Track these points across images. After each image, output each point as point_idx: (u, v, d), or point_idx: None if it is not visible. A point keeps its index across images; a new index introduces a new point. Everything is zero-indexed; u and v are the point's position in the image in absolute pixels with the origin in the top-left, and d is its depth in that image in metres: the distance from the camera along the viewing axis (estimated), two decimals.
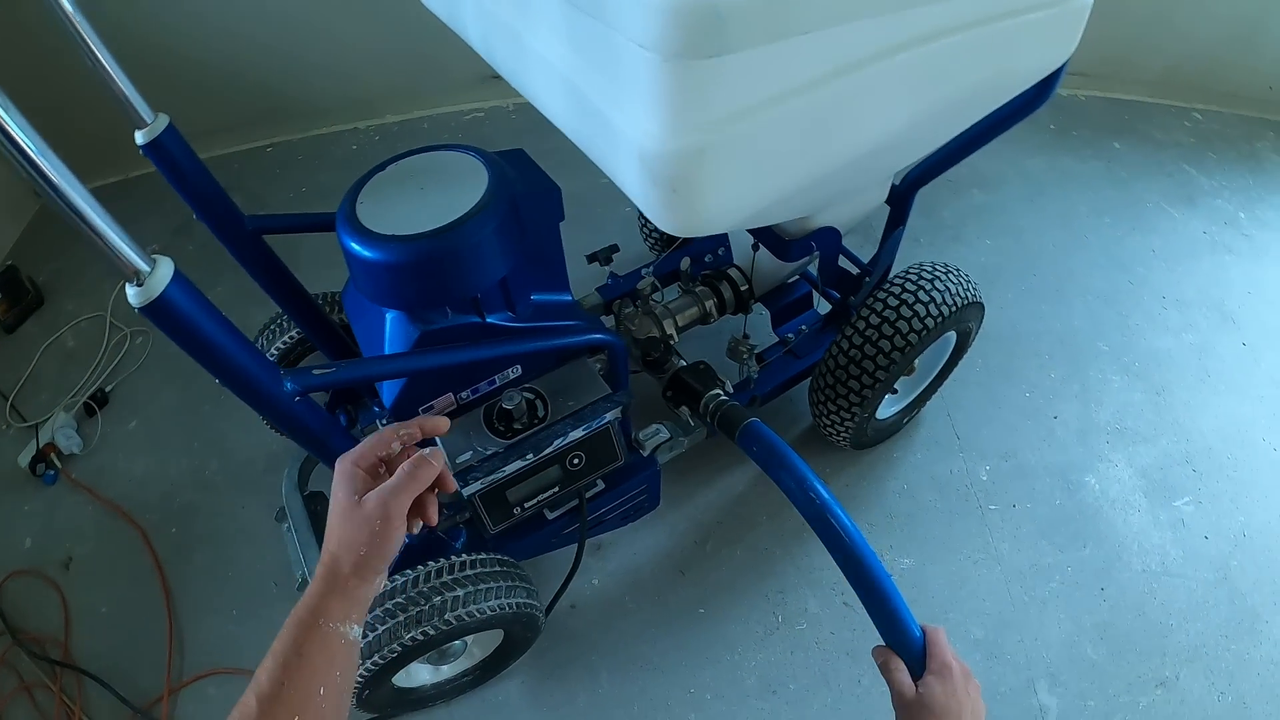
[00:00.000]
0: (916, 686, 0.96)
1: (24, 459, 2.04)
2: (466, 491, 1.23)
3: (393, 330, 1.21)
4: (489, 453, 1.22)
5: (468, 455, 1.22)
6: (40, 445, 2.05)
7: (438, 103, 3.01)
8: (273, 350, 1.71)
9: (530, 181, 1.22)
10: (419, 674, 1.48)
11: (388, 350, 1.21)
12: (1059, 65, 1.29)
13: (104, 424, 2.16)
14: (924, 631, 1.02)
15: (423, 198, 1.15)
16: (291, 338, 1.70)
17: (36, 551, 1.94)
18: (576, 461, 1.33)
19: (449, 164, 1.20)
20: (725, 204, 0.92)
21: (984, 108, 1.33)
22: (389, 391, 1.24)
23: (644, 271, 1.74)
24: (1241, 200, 2.82)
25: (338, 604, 0.75)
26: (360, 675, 1.25)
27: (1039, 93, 1.42)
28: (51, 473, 2.04)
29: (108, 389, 2.22)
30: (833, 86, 0.88)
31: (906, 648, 1.01)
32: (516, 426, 1.26)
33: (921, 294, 1.58)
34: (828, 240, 1.54)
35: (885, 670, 1.01)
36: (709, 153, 0.83)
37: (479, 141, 1.28)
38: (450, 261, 1.08)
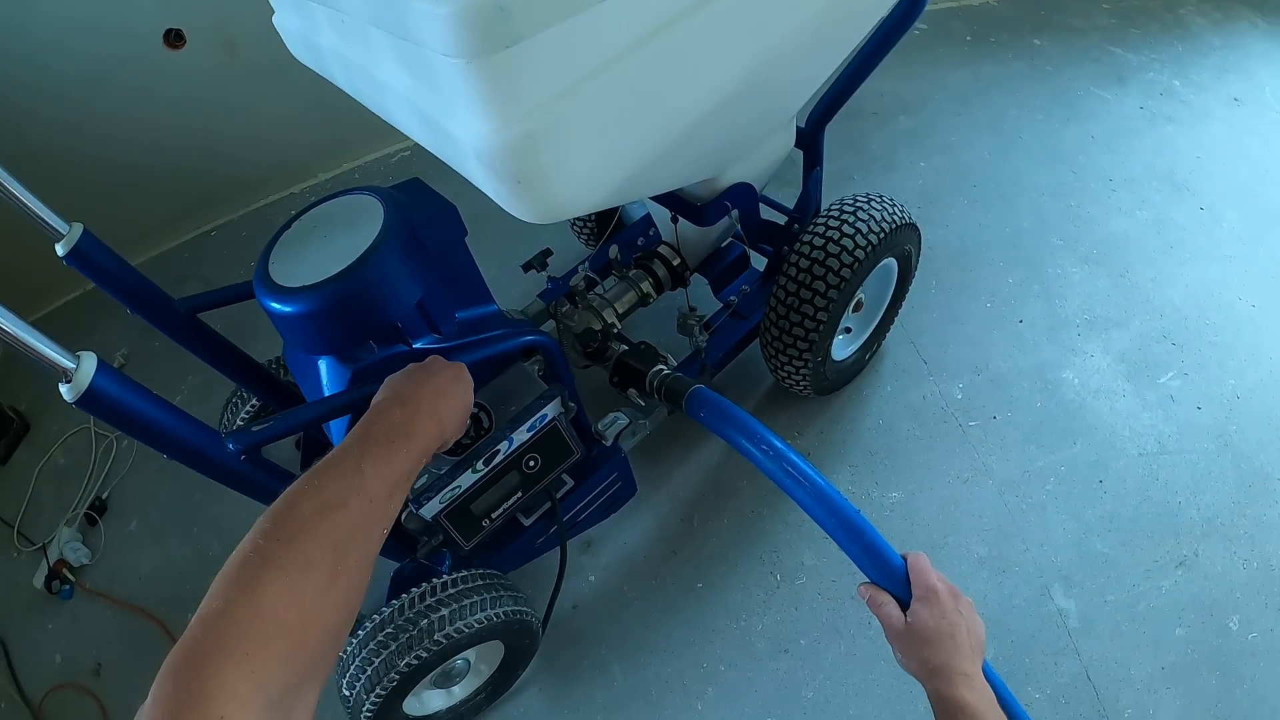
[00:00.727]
0: (905, 616, 0.97)
1: (38, 580, 2.09)
2: (428, 513, 1.25)
3: (328, 375, 1.24)
4: (440, 472, 1.24)
5: (421, 479, 1.24)
6: (51, 563, 2.09)
7: (364, 151, 3.04)
8: (239, 421, 1.74)
9: (427, 205, 1.24)
10: (431, 701, 1.50)
11: (327, 395, 1.24)
12: None
13: (107, 530, 2.19)
14: (905, 560, 1.02)
15: (326, 245, 1.17)
16: (254, 406, 1.73)
17: (67, 665, 1.97)
18: (533, 464, 1.35)
19: (347, 208, 1.23)
20: (577, 184, 0.94)
21: (851, 33, 1.33)
22: (338, 431, 1.27)
23: (579, 269, 1.76)
24: (1174, 69, 2.81)
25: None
26: (367, 711, 1.28)
27: (910, 6, 1.44)
28: (67, 587, 2.08)
29: (104, 496, 2.26)
30: (651, 47, 0.89)
31: (889, 579, 1.01)
32: (465, 442, 1.28)
33: (846, 227, 1.58)
34: (742, 197, 1.56)
35: (873, 606, 1.01)
36: (538, 138, 0.85)
37: (409, 177, 1.30)
38: (360, 297, 1.10)
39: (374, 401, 0.99)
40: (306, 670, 0.65)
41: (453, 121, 0.89)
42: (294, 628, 0.65)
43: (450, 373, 1.05)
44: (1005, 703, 0.90)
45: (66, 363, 0.83)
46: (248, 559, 0.68)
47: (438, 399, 0.99)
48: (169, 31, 2.45)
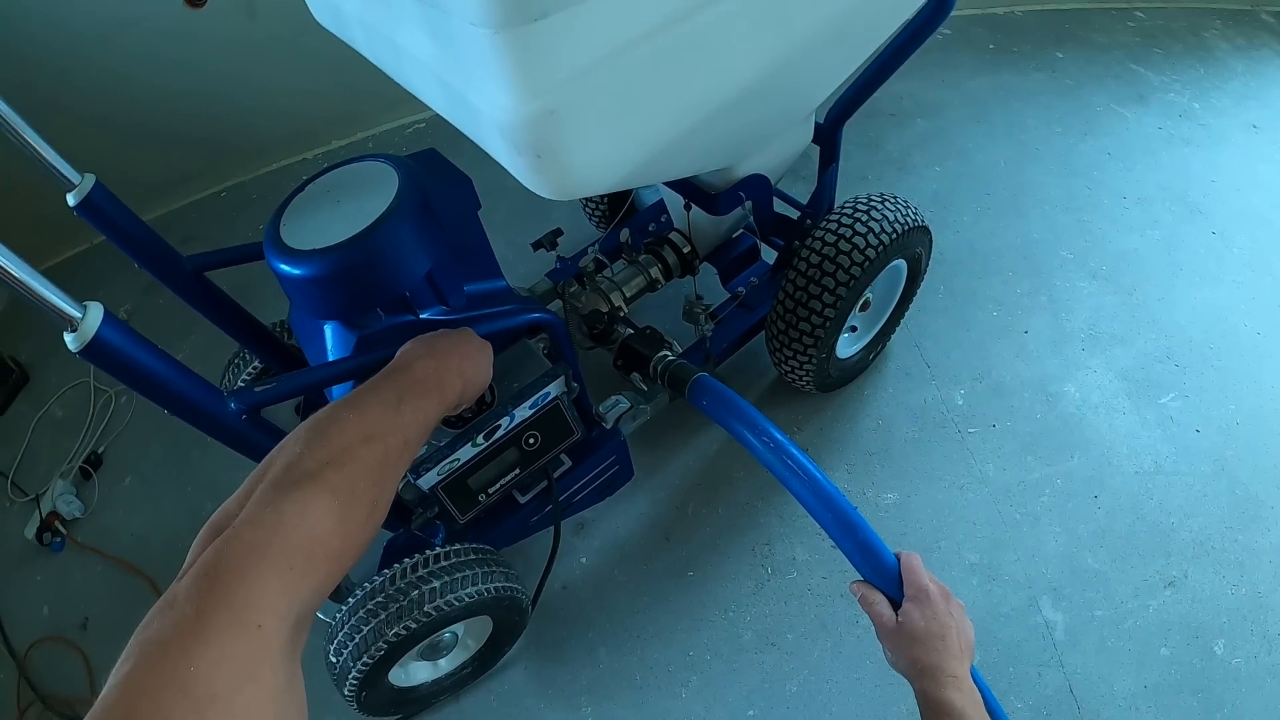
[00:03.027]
0: (896, 615, 0.97)
1: (30, 531, 2.09)
2: (426, 484, 1.26)
3: (332, 341, 1.23)
4: (440, 444, 1.24)
5: (421, 450, 1.24)
6: (44, 515, 2.09)
7: (378, 121, 3.04)
8: (240, 382, 1.74)
9: (442, 177, 1.24)
10: (417, 672, 1.51)
11: (331, 360, 1.24)
12: None
13: (101, 485, 2.20)
14: (898, 559, 1.02)
15: (339, 210, 1.16)
16: (256, 368, 1.73)
17: (54, 618, 1.98)
18: (532, 441, 1.35)
19: (361, 174, 1.22)
20: (596, 162, 0.94)
21: (877, 31, 1.33)
22: (340, 397, 1.27)
23: (589, 250, 1.76)
24: (1194, 91, 2.80)
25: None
26: (353, 678, 1.28)
27: (937, 9, 1.43)
28: (58, 540, 2.09)
29: (100, 451, 2.27)
30: (679, 29, 0.89)
31: (883, 578, 1.01)
32: (466, 415, 1.28)
33: (859, 225, 1.58)
34: (757, 188, 1.56)
35: (864, 604, 1.01)
36: (562, 113, 0.85)
37: (423, 149, 1.30)
38: (370, 264, 1.10)
39: (402, 352, 1.03)
40: (326, 595, 0.68)
41: (475, 92, 0.89)
42: (335, 553, 0.68)
43: (477, 343, 1.10)
44: (990, 708, 0.90)
45: (73, 311, 0.82)
46: (298, 475, 0.69)
47: (465, 361, 1.04)
48: None
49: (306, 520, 0.66)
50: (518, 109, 0.84)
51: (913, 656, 0.92)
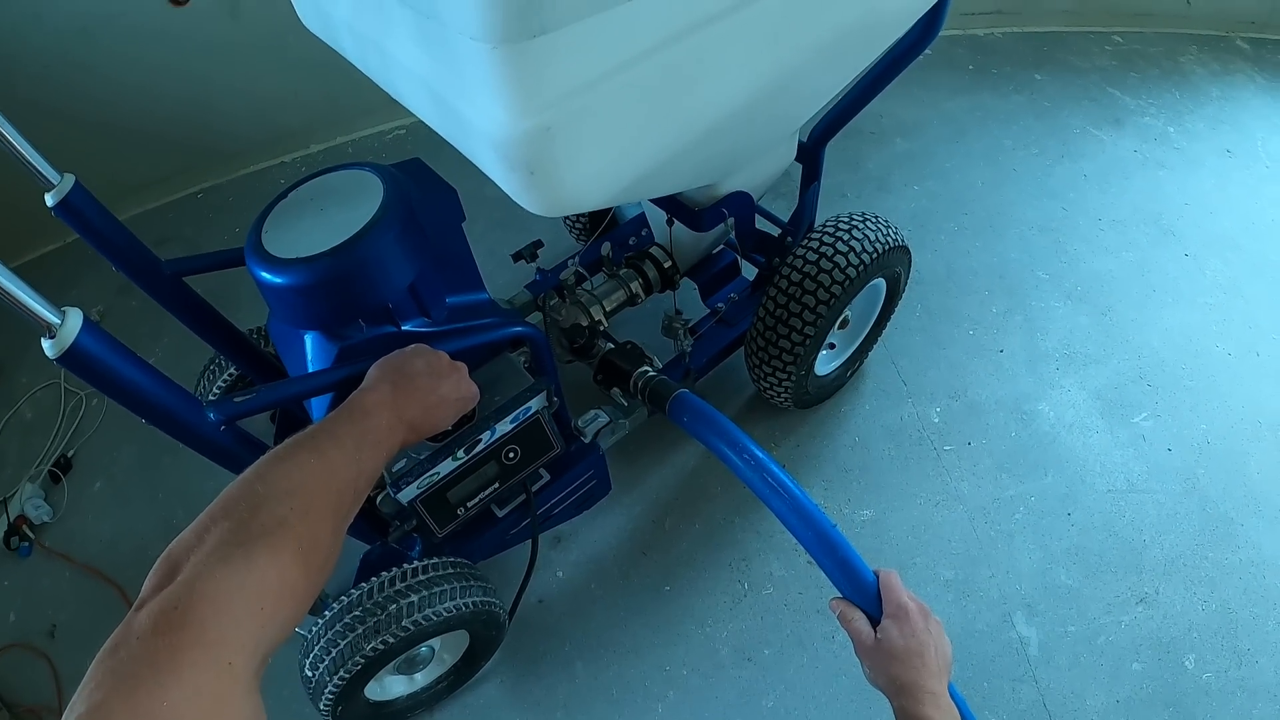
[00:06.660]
0: (875, 633, 0.98)
1: None
2: (405, 497, 1.24)
3: (313, 351, 1.22)
4: (420, 457, 1.24)
5: (401, 462, 1.23)
6: (11, 519, 2.05)
7: (359, 126, 3.01)
8: (215, 389, 1.72)
9: (427, 187, 1.23)
10: (393, 686, 1.49)
11: (311, 371, 1.23)
12: (934, 1, 1.31)
13: (70, 489, 2.16)
14: (877, 576, 1.03)
15: (323, 218, 1.16)
16: (231, 374, 1.72)
17: (21, 624, 1.94)
18: (512, 455, 1.35)
19: (346, 183, 1.21)
20: (588, 179, 0.94)
21: (865, 52, 1.35)
22: (319, 409, 1.25)
23: (569, 263, 1.76)
24: (1169, 115, 2.85)
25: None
26: (329, 693, 1.27)
27: (924, 31, 1.45)
28: (25, 545, 2.04)
29: (70, 454, 2.23)
30: (676, 48, 0.90)
31: (861, 595, 1.02)
32: (448, 429, 1.27)
33: (840, 244, 1.59)
34: (739, 205, 1.56)
35: (843, 621, 1.02)
36: (556, 130, 0.85)
37: (403, 156, 1.29)
38: (353, 274, 1.09)
39: (367, 390, 1.01)
40: (290, 631, 0.70)
41: (469, 106, 0.89)
42: (301, 595, 0.70)
43: (452, 395, 1.10)
44: None
45: (52, 317, 0.81)
46: (266, 520, 0.71)
47: (430, 413, 1.05)
48: None
49: (278, 565, 0.68)
50: (513, 125, 0.84)
51: (891, 674, 0.93)
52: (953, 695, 0.93)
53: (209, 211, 2.88)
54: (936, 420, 2.01)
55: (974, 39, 3.16)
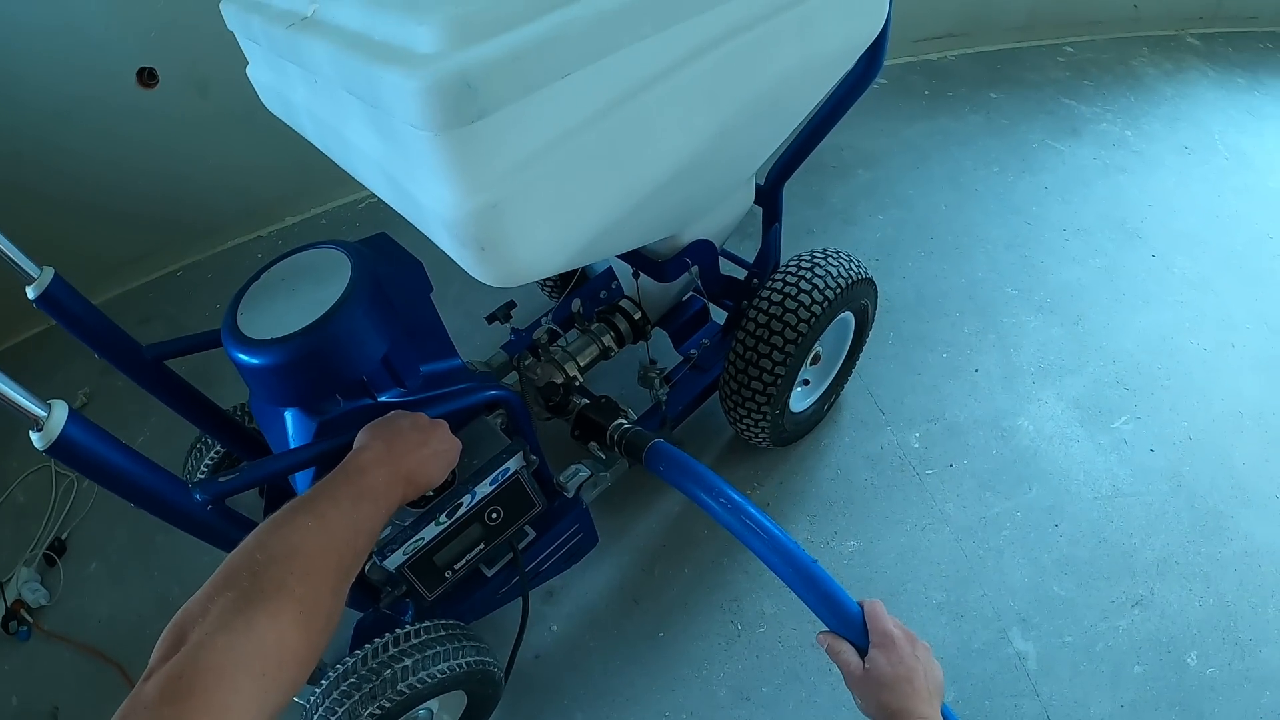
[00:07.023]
0: (863, 663, 0.99)
1: None
2: (391, 564, 1.26)
3: (293, 427, 1.25)
4: (404, 524, 1.25)
5: (385, 530, 1.25)
6: (9, 603, 2.06)
7: (331, 197, 3.04)
8: (203, 467, 1.74)
9: (393, 261, 1.27)
10: None
11: (293, 447, 1.25)
12: (873, 36, 1.34)
13: (66, 571, 2.16)
14: (861, 607, 1.04)
15: (294, 298, 1.19)
16: (217, 453, 1.73)
17: (23, 709, 1.93)
18: (495, 516, 1.36)
19: (314, 262, 1.24)
20: (540, 248, 0.97)
21: (807, 96, 1.38)
22: (303, 484, 1.28)
23: (543, 321, 1.78)
24: (1126, 119, 2.90)
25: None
26: None
27: (867, 66, 1.48)
28: (24, 629, 2.05)
29: (64, 536, 2.23)
30: (615, 116, 0.93)
31: (846, 626, 1.03)
32: (429, 495, 1.29)
33: (804, 283, 1.62)
34: (702, 253, 1.59)
35: (831, 653, 1.04)
36: (503, 206, 0.88)
37: (376, 226, 1.33)
38: (326, 351, 1.12)
39: (361, 449, 1.04)
40: (293, 696, 0.72)
41: (419, 188, 0.92)
42: (303, 660, 0.71)
43: (441, 446, 1.13)
44: None
45: (38, 411, 0.84)
46: (266, 585, 0.73)
47: (421, 467, 1.07)
48: (142, 70, 2.46)
49: (278, 629, 0.69)
50: (460, 205, 0.87)
51: (882, 701, 0.94)
52: (948, 717, 0.95)
53: (189, 289, 2.89)
54: (917, 445, 2.03)
55: (928, 64, 3.22)
